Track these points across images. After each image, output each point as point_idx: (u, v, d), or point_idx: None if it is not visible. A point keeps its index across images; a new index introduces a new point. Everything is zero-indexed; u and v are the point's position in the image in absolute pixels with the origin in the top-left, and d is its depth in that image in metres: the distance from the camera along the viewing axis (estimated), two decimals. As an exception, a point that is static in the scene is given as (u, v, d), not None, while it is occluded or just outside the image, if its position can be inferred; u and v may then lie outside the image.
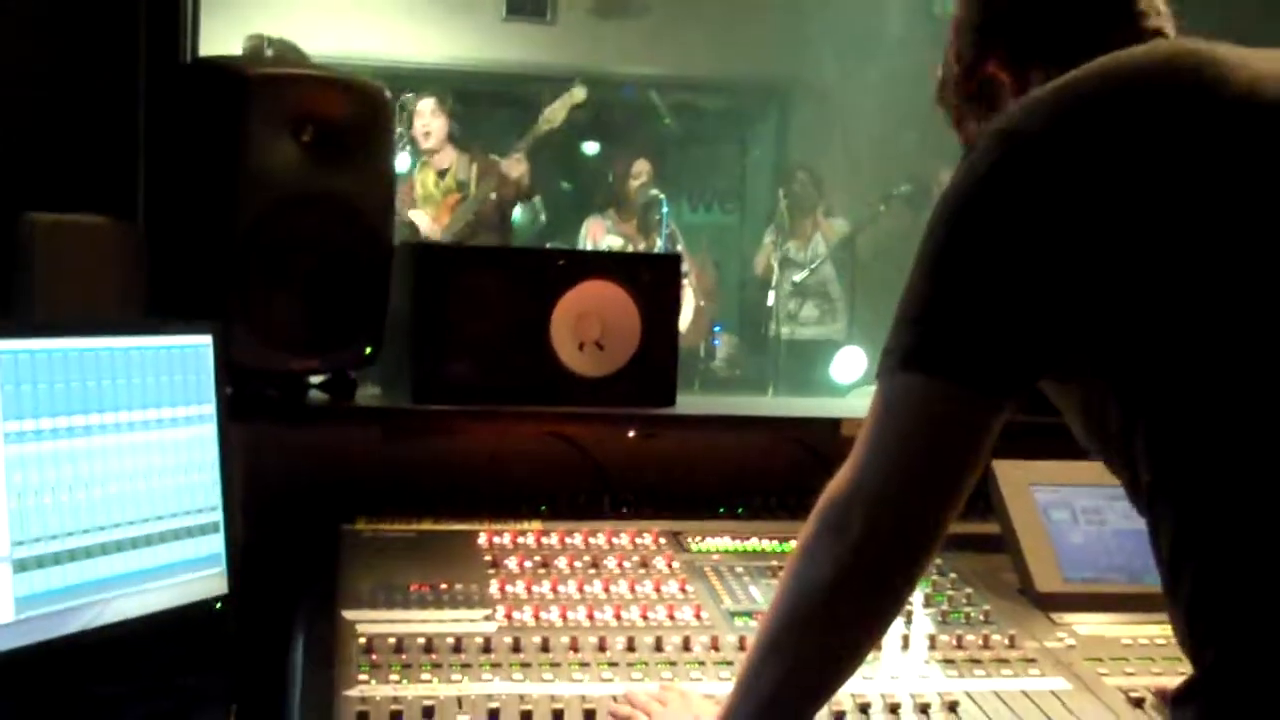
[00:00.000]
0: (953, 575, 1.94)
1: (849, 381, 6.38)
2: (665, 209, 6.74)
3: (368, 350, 2.10)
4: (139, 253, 2.00)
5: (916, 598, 1.86)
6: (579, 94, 6.58)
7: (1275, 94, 1.21)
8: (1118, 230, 1.18)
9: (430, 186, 6.15)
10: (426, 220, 6.03)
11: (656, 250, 6.53)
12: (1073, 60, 1.30)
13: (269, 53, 5.04)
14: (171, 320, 1.79)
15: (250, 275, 1.97)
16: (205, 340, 1.78)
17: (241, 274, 1.96)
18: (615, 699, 1.55)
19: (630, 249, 6.68)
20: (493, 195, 6.11)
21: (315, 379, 2.13)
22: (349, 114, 2.02)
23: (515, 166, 6.24)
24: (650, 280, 2.17)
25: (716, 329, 7.28)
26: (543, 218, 6.82)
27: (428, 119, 6.13)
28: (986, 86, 1.47)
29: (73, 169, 2.07)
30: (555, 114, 6.53)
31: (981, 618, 1.83)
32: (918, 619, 1.81)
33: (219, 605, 1.79)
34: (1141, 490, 1.24)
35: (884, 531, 1.22)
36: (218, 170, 1.97)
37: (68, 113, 2.09)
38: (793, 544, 1.97)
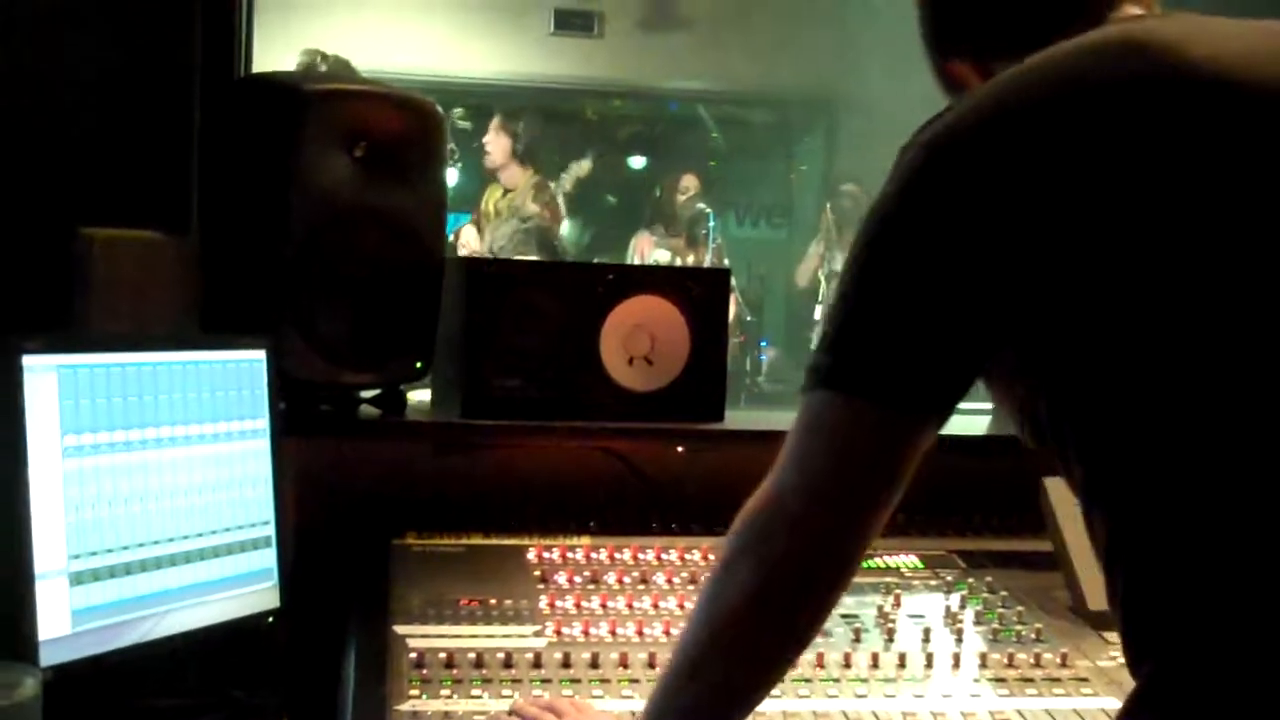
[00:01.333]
0: (1004, 593, 1.92)
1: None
2: (712, 223, 6.74)
3: (419, 365, 2.11)
4: (194, 267, 2.01)
5: (967, 615, 1.85)
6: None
7: (1220, 73, 1.16)
8: (1038, 232, 1.15)
9: (493, 204, 6.20)
10: (474, 236, 6.07)
11: (705, 264, 6.53)
12: (1038, 41, 1.26)
13: (322, 68, 5.08)
14: (227, 335, 1.80)
15: (303, 289, 1.98)
16: (260, 355, 1.80)
17: (295, 288, 1.97)
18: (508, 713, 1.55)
19: (678, 263, 6.68)
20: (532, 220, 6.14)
21: (366, 393, 2.14)
22: (402, 130, 2.03)
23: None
24: (699, 295, 2.17)
25: (763, 343, 7.27)
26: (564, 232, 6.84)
27: (490, 137, 6.18)
28: (957, 86, 1.44)
29: (128, 184, 2.09)
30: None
31: (1033, 636, 1.81)
32: (969, 637, 1.80)
33: (271, 619, 1.81)
34: (1077, 488, 1.23)
35: (806, 549, 1.20)
36: (272, 185, 1.98)
37: (124, 128, 2.10)
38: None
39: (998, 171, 1.16)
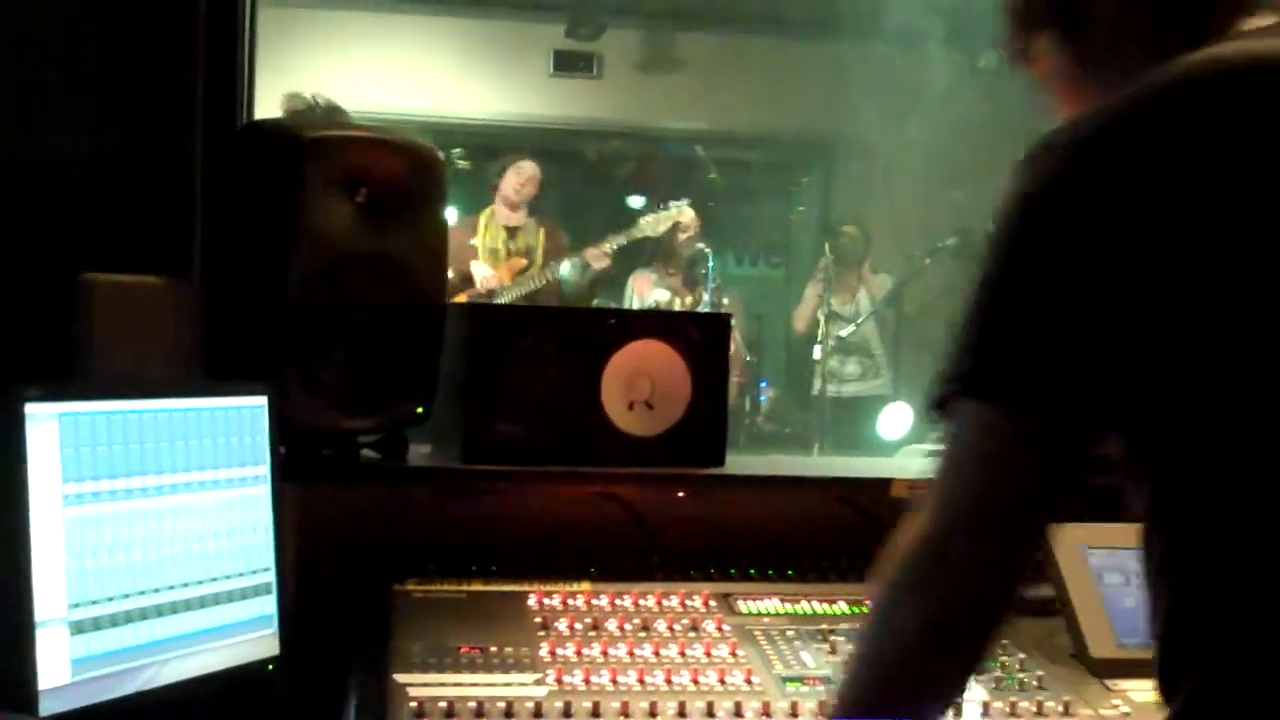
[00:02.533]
0: (1005, 641, 1.92)
1: (896, 438, 6.35)
2: (711, 263, 6.75)
3: (420, 409, 2.11)
4: (195, 312, 2.01)
5: (970, 663, 1.84)
6: (688, 214, 6.61)
7: None
8: (1163, 236, 1.12)
9: (498, 241, 6.21)
10: (489, 273, 6.09)
11: (703, 304, 6.54)
12: (1142, 56, 1.25)
13: (318, 112, 5.10)
14: (228, 382, 1.80)
15: (304, 334, 1.99)
16: (261, 401, 1.80)
17: (296, 333, 1.98)
18: None
19: (677, 302, 6.69)
20: (550, 277, 6.17)
21: (367, 438, 2.14)
22: (402, 175, 2.04)
23: (600, 259, 6.29)
24: (700, 340, 2.17)
25: (762, 384, 7.27)
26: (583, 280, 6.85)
27: (525, 180, 6.21)
28: (1039, 62, 1.40)
29: (130, 230, 2.09)
30: (655, 225, 6.56)
31: (1035, 683, 1.81)
32: (971, 685, 1.79)
33: (271, 667, 1.80)
34: (1142, 504, 1.21)
35: (973, 595, 1.16)
36: (272, 231, 1.99)
37: (126, 174, 2.11)
38: (843, 605, 1.98)
39: (1141, 172, 1.14)
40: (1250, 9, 1.29)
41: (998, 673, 1.82)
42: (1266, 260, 1.12)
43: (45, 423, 1.51)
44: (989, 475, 1.16)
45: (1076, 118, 1.22)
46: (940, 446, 1.18)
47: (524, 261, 6.20)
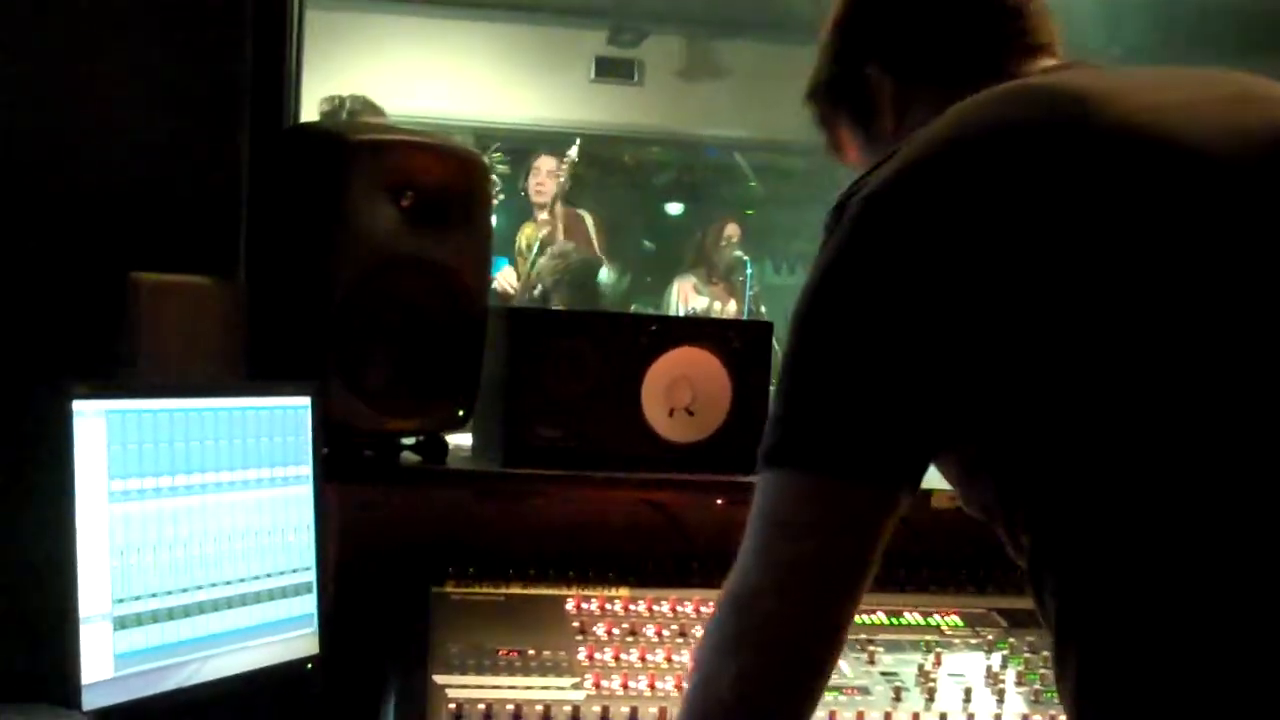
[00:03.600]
0: (1045, 654, 1.90)
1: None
2: (749, 270, 6.75)
3: (460, 412, 2.12)
4: (240, 312, 2.03)
5: (1009, 676, 1.83)
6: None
7: (1150, 126, 1.15)
8: (988, 293, 1.11)
9: (525, 239, 6.24)
10: (513, 278, 6.10)
11: (743, 313, 6.55)
12: (961, 78, 1.27)
13: (344, 113, 5.13)
14: (273, 382, 1.82)
15: (348, 336, 2.00)
16: (304, 401, 1.81)
17: (339, 335, 1.99)
18: None
19: (717, 308, 6.70)
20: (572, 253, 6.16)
21: (407, 440, 2.15)
22: (448, 180, 2.05)
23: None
24: (741, 347, 2.17)
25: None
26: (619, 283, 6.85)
27: (543, 177, 6.22)
28: (864, 89, 1.42)
29: (176, 230, 2.11)
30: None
31: (1075, 698, 1.79)
32: (1010, 698, 1.78)
33: (309, 666, 1.81)
34: (1024, 557, 1.19)
35: (783, 657, 1.14)
36: (318, 233, 2.00)
37: (174, 175, 2.13)
38: (881, 616, 1.97)
39: (934, 220, 1.13)
40: (1040, 54, 1.36)
41: (1037, 685, 1.81)
42: (1055, 294, 1.11)
43: (93, 420, 1.53)
44: (806, 534, 1.14)
45: (870, 171, 1.22)
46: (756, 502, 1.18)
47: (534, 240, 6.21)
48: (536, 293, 5.99)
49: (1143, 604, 1.10)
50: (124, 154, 2.11)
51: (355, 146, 2.01)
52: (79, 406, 1.52)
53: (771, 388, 2.16)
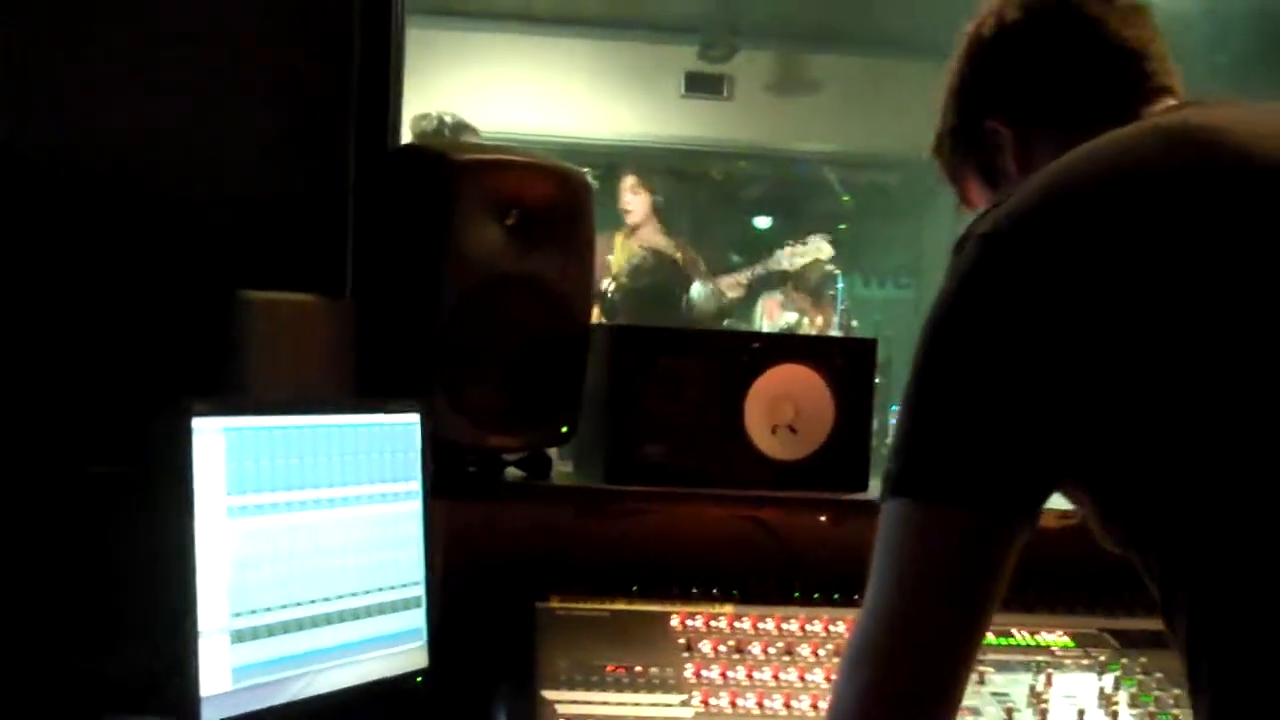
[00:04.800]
0: (1159, 675, 1.88)
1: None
2: (840, 284, 6.71)
3: (564, 429, 2.13)
4: (348, 330, 2.05)
5: (1122, 697, 1.81)
6: (826, 250, 6.59)
7: (1270, 156, 1.15)
8: (1096, 320, 1.13)
9: (626, 258, 6.26)
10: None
11: (832, 326, 6.51)
12: (1080, 123, 1.28)
13: (446, 132, 5.18)
14: (382, 399, 1.84)
15: (453, 354, 2.02)
16: (414, 418, 1.83)
17: (446, 352, 2.01)
18: None
19: (805, 323, 6.67)
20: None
21: (511, 456, 2.17)
22: (552, 199, 2.07)
23: (734, 289, 6.32)
24: (844, 364, 2.16)
25: (893, 408, 7.20)
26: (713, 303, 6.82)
27: (627, 195, 6.26)
28: (985, 141, 1.43)
29: (286, 249, 2.15)
30: (793, 259, 6.57)
31: (1190, 720, 1.77)
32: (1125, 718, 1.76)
33: (419, 679, 1.83)
34: (1154, 582, 1.19)
35: (913, 690, 1.15)
36: (424, 251, 2.02)
37: (282, 195, 2.17)
38: (987, 635, 1.95)
39: (1053, 259, 1.15)
40: (1160, 96, 1.36)
41: (1151, 707, 1.79)
42: (1177, 330, 1.12)
43: (211, 436, 1.56)
44: (932, 568, 1.15)
45: (989, 209, 1.23)
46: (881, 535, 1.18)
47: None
48: (611, 289, 5.98)
49: (1274, 621, 1.10)
50: (233, 175, 2.15)
51: (461, 166, 2.03)
52: (198, 424, 1.54)
53: (884, 406, 2.15)
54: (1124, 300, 1.13)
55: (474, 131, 5.20)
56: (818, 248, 6.56)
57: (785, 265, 6.54)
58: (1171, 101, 1.36)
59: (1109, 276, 1.14)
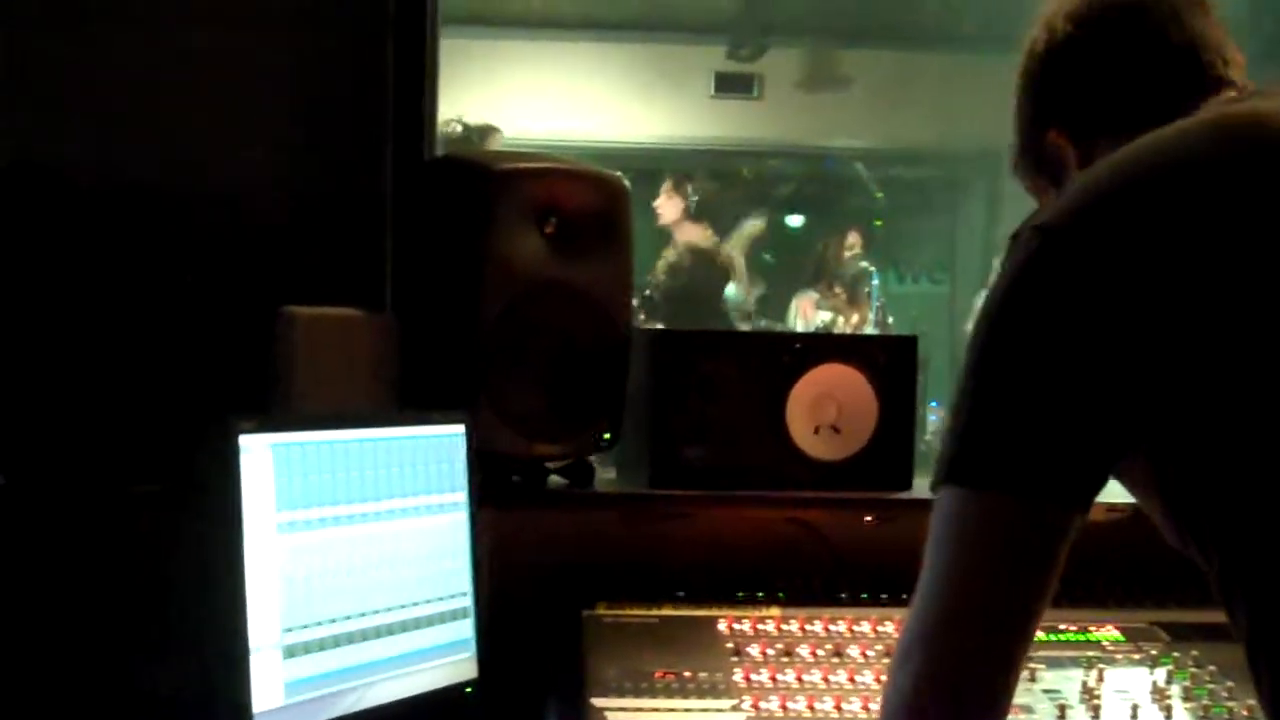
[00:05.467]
0: (1212, 668, 1.86)
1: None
2: (875, 281, 6.70)
3: (607, 436, 2.13)
4: (391, 343, 2.06)
5: (1175, 691, 1.79)
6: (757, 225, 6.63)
7: None
8: (1159, 321, 1.13)
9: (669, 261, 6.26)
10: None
11: (868, 323, 6.50)
12: (1139, 126, 1.27)
13: (475, 139, 5.20)
14: (428, 411, 1.84)
15: (494, 363, 2.02)
16: (458, 429, 1.84)
17: (488, 361, 2.01)
18: None
19: (840, 321, 6.66)
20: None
21: (554, 464, 2.17)
22: (591, 205, 2.07)
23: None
24: (887, 363, 2.15)
25: (933, 404, 7.18)
26: (750, 301, 6.82)
27: (661, 201, 6.27)
28: (1051, 155, 1.42)
29: (324, 263, 2.16)
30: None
31: (1245, 713, 1.75)
32: (1178, 715, 1.75)
33: (469, 689, 1.83)
34: (1214, 579, 1.19)
35: (944, 675, 1.15)
36: (464, 262, 2.03)
37: (321, 209, 2.18)
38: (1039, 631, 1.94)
39: (1111, 252, 1.15)
40: (1220, 88, 1.34)
41: (1205, 700, 1.77)
42: (1224, 319, 1.13)
43: (259, 453, 1.57)
44: (986, 556, 1.16)
45: (1049, 203, 1.25)
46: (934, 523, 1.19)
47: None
48: (648, 291, 5.98)
49: None
50: (270, 191, 2.17)
51: (499, 176, 2.04)
52: (245, 441, 1.55)
53: (923, 402, 2.14)
54: (1175, 289, 1.14)
55: (498, 132, 5.21)
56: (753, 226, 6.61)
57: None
58: (1232, 93, 1.34)
59: (1161, 266, 1.14)
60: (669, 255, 6.14)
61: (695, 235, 6.27)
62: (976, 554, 1.16)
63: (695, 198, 6.36)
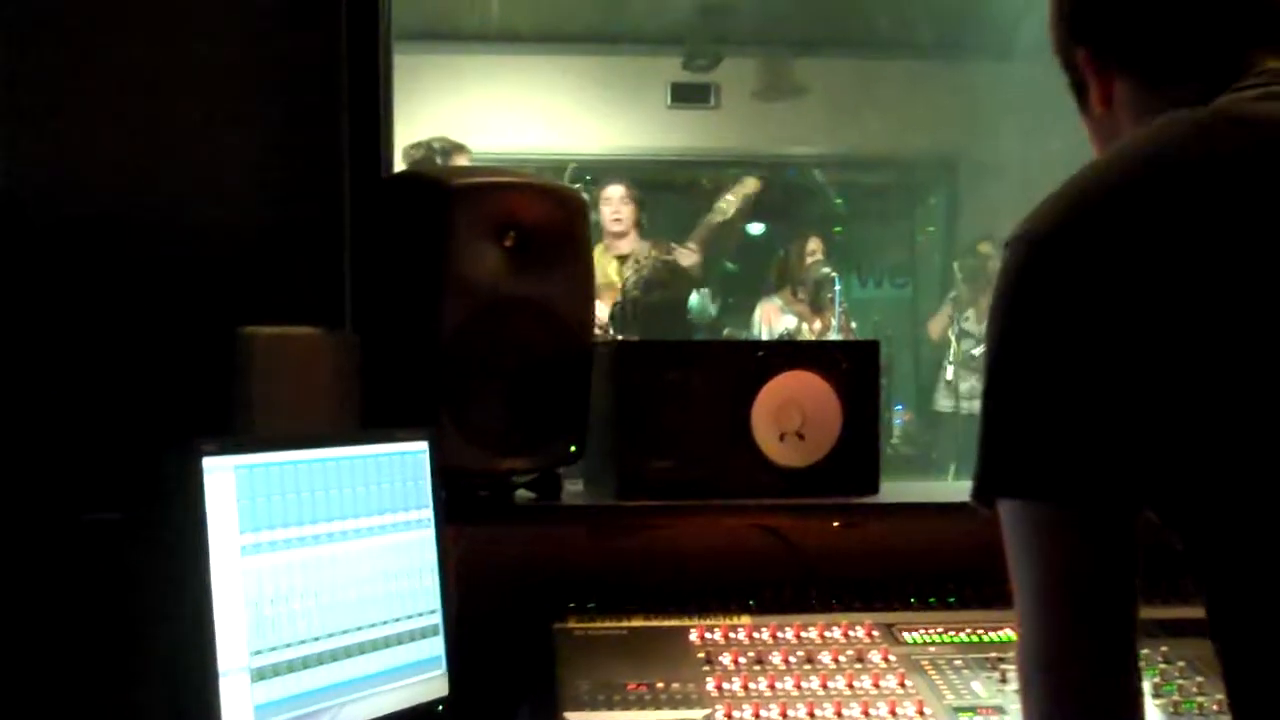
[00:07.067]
0: (1181, 663, 1.87)
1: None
2: (838, 286, 6.72)
3: (572, 448, 2.13)
4: (352, 361, 2.05)
5: (1145, 687, 1.80)
6: (751, 184, 6.62)
7: None
8: (1137, 310, 1.15)
9: (611, 274, 6.22)
10: (604, 310, 6.09)
11: (831, 328, 6.52)
12: (1164, 78, 1.27)
13: (437, 158, 5.19)
14: (390, 429, 1.83)
15: (457, 378, 2.02)
16: (421, 446, 1.83)
17: (449, 378, 2.01)
18: None
19: (805, 328, 6.67)
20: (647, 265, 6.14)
21: (520, 478, 2.16)
22: (548, 219, 2.07)
23: (687, 256, 6.29)
24: (850, 367, 2.16)
25: (898, 407, 7.22)
26: (712, 310, 6.81)
27: (617, 205, 6.20)
28: (1077, 70, 1.40)
29: (283, 282, 2.14)
30: (728, 206, 6.59)
31: (1215, 708, 1.76)
32: (1149, 711, 1.75)
33: (441, 707, 1.82)
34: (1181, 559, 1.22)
35: (1072, 683, 1.19)
36: (423, 278, 2.02)
37: (277, 229, 2.16)
38: (1009, 633, 1.95)
39: (1091, 258, 1.17)
40: (1252, 52, 1.29)
41: (1175, 696, 1.78)
42: (1197, 321, 1.14)
43: (223, 475, 1.55)
44: (1053, 576, 1.19)
45: (1036, 210, 1.24)
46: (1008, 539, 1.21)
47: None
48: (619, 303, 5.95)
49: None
50: (226, 210, 2.14)
51: (456, 191, 2.03)
52: (209, 463, 1.54)
53: (887, 405, 2.14)
54: (1149, 291, 1.15)
55: (465, 150, 5.20)
56: (742, 184, 6.60)
57: (724, 211, 6.58)
58: (1276, 64, 1.27)
59: (1137, 270, 1.15)
60: (641, 269, 6.11)
61: (633, 247, 6.22)
62: (1050, 573, 1.18)
63: (646, 208, 6.33)
